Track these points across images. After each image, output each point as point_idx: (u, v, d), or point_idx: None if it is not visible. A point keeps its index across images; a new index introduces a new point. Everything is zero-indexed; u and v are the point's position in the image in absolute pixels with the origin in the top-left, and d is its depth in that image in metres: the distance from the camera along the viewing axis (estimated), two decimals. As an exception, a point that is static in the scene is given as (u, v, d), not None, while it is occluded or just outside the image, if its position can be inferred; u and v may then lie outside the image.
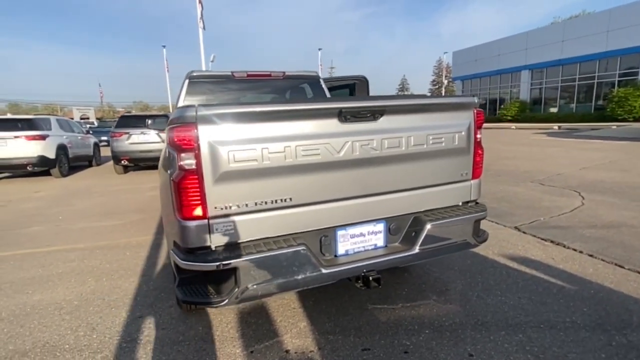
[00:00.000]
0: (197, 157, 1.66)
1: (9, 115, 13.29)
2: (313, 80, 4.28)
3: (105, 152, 13.09)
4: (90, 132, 14.98)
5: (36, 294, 3.09)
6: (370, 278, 1.99)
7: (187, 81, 3.74)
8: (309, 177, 1.87)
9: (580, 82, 26.76)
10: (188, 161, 1.66)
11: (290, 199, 1.85)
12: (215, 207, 1.73)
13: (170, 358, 2.16)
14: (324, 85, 4.30)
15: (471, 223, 2.27)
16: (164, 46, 37.02)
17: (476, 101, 2.26)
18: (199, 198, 1.69)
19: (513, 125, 25.71)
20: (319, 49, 48.39)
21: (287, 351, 2.19)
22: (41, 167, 9.84)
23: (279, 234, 1.89)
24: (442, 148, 2.16)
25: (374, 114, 1.94)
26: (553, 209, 5.04)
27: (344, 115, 1.87)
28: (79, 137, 12.27)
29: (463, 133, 2.22)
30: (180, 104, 3.65)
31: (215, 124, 1.66)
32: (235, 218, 1.77)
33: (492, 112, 32.60)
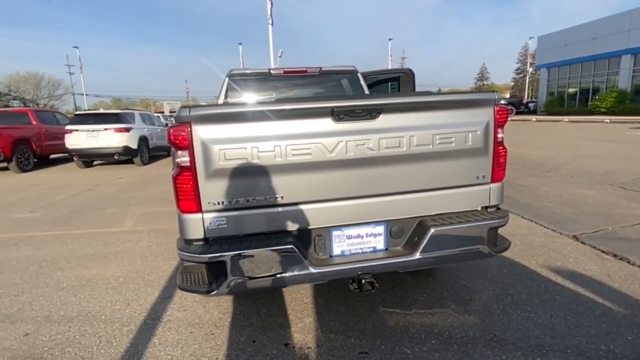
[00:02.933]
0: (191, 155, 1.76)
1: (101, 110, 15.16)
2: (351, 75, 4.22)
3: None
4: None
5: (94, 268, 3.55)
6: (363, 281, 1.94)
7: (227, 79, 3.94)
8: (301, 176, 1.87)
9: (700, 67, 22.46)
10: (183, 158, 1.78)
11: (282, 197, 1.88)
12: (209, 203, 1.82)
13: (182, 338, 2.35)
14: (362, 80, 4.21)
15: (484, 230, 2.08)
16: (240, 43, 39.16)
17: (497, 97, 2.05)
18: (193, 193, 1.80)
19: (607, 118, 22.52)
20: (389, 40, 47.26)
21: (286, 344, 2.24)
22: (125, 156, 11.14)
23: (269, 231, 1.93)
24: (451, 149, 2.00)
25: (371, 112, 1.87)
26: (628, 217, 4.38)
27: (337, 114, 1.84)
28: (159, 130, 13.59)
29: (479, 132, 2.03)
30: (220, 101, 3.86)
31: (207, 123, 1.75)
32: (228, 214, 1.86)
33: (582, 103, 28.97)
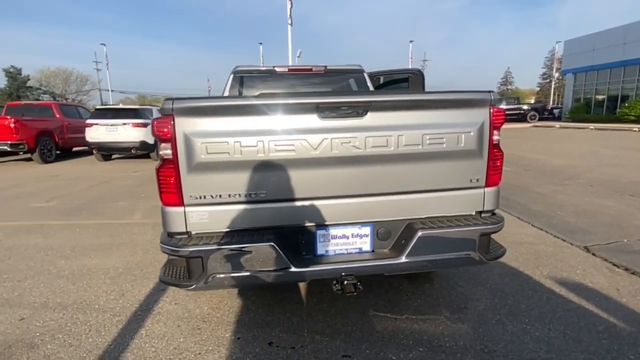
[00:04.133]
0: (174, 148, 1.75)
1: (120, 106, 15.53)
2: (357, 74, 4.17)
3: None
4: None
5: (96, 258, 3.62)
6: (345, 282, 1.89)
7: (231, 76, 3.95)
8: (284, 173, 1.84)
9: None
10: (166, 151, 1.77)
11: (265, 193, 1.85)
12: (191, 196, 1.82)
13: (169, 331, 2.36)
14: (367, 80, 4.15)
15: (475, 236, 1.99)
16: (260, 43, 39.56)
17: (492, 97, 1.97)
18: (175, 186, 1.80)
19: (635, 127, 21.57)
20: (410, 42, 46.72)
21: (270, 343, 2.21)
22: (142, 151, 11.39)
23: (252, 227, 1.91)
24: (442, 150, 1.93)
25: (357, 110, 1.82)
26: (646, 230, 4.15)
27: (322, 111, 1.80)
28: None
29: (472, 134, 1.95)
30: (225, 97, 3.87)
31: (190, 116, 1.74)
32: (209, 208, 1.84)
33: (610, 111, 27.82)
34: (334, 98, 1.82)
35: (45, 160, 11.25)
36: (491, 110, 1.98)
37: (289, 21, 23.62)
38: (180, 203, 1.82)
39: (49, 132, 11.56)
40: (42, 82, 55.10)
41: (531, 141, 15.03)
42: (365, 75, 4.18)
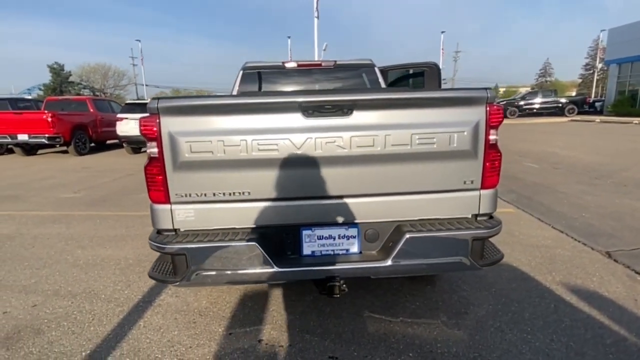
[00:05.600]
0: (159, 146, 1.78)
1: (137, 100, 15.97)
2: (367, 69, 4.08)
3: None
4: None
5: (110, 249, 3.78)
6: (328, 284, 1.87)
7: (241, 72, 3.97)
8: (268, 172, 1.83)
9: None
10: (152, 149, 1.81)
11: (249, 192, 1.85)
12: (177, 194, 1.85)
13: (165, 323, 2.43)
14: (379, 75, 4.05)
15: (467, 240, 1.90)
16: (289, 37, 39.67)
17: (489, 94, 1.86)
18: (161, 184, 1.83)
19: (688, 121, 19.93)
20: (442, 32, 45.32)
21: (260, 340, 2.23)
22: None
23: (236, 226, 1.91)
24: (433, 150, 1.85)
25: (342, 108, 1.77)
26: (680, 235, 3.84)
27: (305, 110, 1.77)
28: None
29: (466, 133, 1.85)
30: (234, 93, 3.91)
31: (175, 115, 1.76)
32: (195, 206, 1.87)
33: (659, 104, 25.87)
34: (318, 97, 1.79)
35: (80, 152, 11.86)
36: (488, 109, 1.88)
37: (316, 14, 23.52)
38: (167, 201, 1.86)
39: (84, 125, 12.16)
40: (82, 77, 57.99)
41: (566, 136, 14.25)
42: (376, 69, 4.09)
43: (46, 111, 11.25)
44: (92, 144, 12.82)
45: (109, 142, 14.34)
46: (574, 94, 56.65)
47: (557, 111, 27.32)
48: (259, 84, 3.99)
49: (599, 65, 46.44)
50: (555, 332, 2.26)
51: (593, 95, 46.33)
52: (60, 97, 16.21)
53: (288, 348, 2.16)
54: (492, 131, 1.90)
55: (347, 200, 1.92)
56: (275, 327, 2.37)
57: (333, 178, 1.87)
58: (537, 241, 3.78)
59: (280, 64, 3.94)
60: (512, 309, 2.53)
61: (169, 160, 1.79)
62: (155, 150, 1.80)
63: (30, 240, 4.05)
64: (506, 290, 2.79)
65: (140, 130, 1.81)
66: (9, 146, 12.07)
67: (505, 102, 30.17)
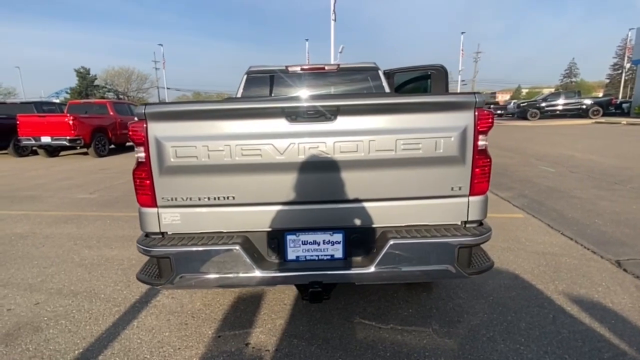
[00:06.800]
0: (147, 151, 1.82)
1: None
2: (371, 72, 4.06)
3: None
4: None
5: (116, 249, 3.88)
6: (310, 290, 1.86)
7: (245, 76, 4.02)
8: (252, 177, 1.84)
9: None
10: (140, 154, 1.85)
11: (234, 197, 1.87)
12: (163, 198, 1.88)
13: (158, 324, 2.47)
14: (382, 78, 4.03)
15: (453, 248, 1.86)
16: (307, 40, 39.95)
17: (477, 99, 1.81)
18: (148, 188, 1.87)
19: None
20: (462, 33, 44.66)
21: (247, 344, 2.24)
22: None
23: (223, 230, 1.93)
24: (418, 156, 1.82)
25: (325, 114, 1.77)
26: (699, 245, 3.64)
27: (289, 115, 1.77)
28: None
29: (453, 139, 1.82)
30: (237, 97, 3.95)
31: (161, 120, 1.80)
32: (181, 210, 1.90)
33: (691, 105, 24.67)
34: (301, 102, 1.79)
35: (99, 154, 12.23)
36: (476, 114, 1.84)
37: (333, 17, 23.58)
38: (154, 204, 1.90)
39: (103, 128, 12.55)
40: (107, 80, 59.94)
41: (587, 139, 13.76)
42: (380, 73, 4.06)
43: (68, 114, 11.67)
44: (112, 146, 13.21)
45: (128, 144, 14.75)
46: (600, 94, 54.69)
47: (581, 113, 26.42)
48: (270, 88, 4.02)
49: (627, 65, 44.62)
50: (550, 343, 2.19)
51: (620, 96, 44.62)
52: (82, 101, 16.79)
53: (274, 352, 2.16)
54: (480, 137, 1.86)
55: (332, 206, 1.91)
56: (264, 331, 2.37)
57: (318, 183, 1.86)
58: (544, 248, 3.66)
59: (284, 68, 3.97)
60: (507, 319, 2.45)
61: (155, 164, 1.83)
62: (143, 154, 1.84)
63: (42, 240, 4.20)
64: (504, 298, 2.71)
65: (129, 135, 1.86)
66: (34, 148, 12.56)
67: (526, 103, 29.44)
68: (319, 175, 1.85)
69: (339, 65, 4.00)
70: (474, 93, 1.83)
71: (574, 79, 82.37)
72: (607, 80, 73.51)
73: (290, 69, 3.99)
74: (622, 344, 2.17)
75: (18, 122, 11.47)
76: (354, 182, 1.87)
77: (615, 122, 22.21)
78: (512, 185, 6.48)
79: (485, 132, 1.87)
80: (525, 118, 27.26)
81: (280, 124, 1.80)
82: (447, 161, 1.85)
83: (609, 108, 27.43)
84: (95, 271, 3.34)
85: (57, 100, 31.43)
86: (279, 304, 2.69)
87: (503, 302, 2.66)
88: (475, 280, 2.96)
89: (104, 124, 12.65)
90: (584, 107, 26.60)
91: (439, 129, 1.81)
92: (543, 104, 27.42)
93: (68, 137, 11.30)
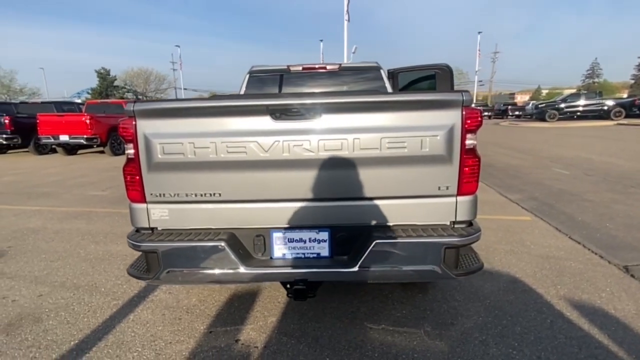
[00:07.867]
0: (136, 148, 1.86)
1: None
2: (373, 72, 4.03)
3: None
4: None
5: (121, 245, 3.97)
6: (293, 288, 1.86)
7: (247, 76, 4.06)
8: (238, 174, 1.86)
9: None
10: (129, 151, 1.89)
11: (220, 194, 1.89)
12: (152, 194, 1.92)
13: (153, 319, 2.52)
14: (385, 77, 4.00)
15: (439, 248, 1.83)
16: (321, 40, 40.00)
17: (464, 98, 1.78)
18: (137, 184, 1.91)
19: None
20: (479, 33, 44.01)
21: (237, 340, 2.26)
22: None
23: (211, 227, 1.95)
24: (404, 154, 1.80)
25: (309, 111, 1.77)
26: None
27: (273, 113, 1.78)
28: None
29: (439, 138, 1.79)
30: (240, 97, 3.99)
31: (149, 118, 1.84)
32: (169, 206, 1.93)
33: None
34: (285, 100, 1.80)
35: (115, 152, 12.54)
36: (463, 112, 1.81)
37: (346, 17, 23.60)
38: (143, 200, 1.94)
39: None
40: (126, 81, 61.49)
41: (607, 141, 13.33)
42: (382, 72, 4.04)
43: (85, 114, 12.01)
44: (127, 145, 13.52)
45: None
46: (625, 95, 52.92)
47: (603, 114, 25.58)
48: (279, 87, 4.05)
49: (653, 65, 43.07)
50: (544, 349, 2.13)
51: (645, 97, 43.04)
52: (99, 101, 17.29)
53: (262, 349, 2.17)
54: (468, 135, 1.83)
55: (318, 204, 1.91)
56: (255, 328, 2.39)
57: (303, 181, 1.87)
58: (549, 252, 3.57)
59: (286, 67, 3.99)
60: (503, 322, 2.40)
61: (144, 161, 1.87)
62: (132, 151, 1.88)
63: (52, 235, 4.34)
64: (501, 302, 2.66)
65: (119, 132, 1.90)
66: (53, 146, 12.97)
67: (544, 104, 28.72)
68: (304, 173, 1.85)
69: (340, 64, 4.00)
70: (461, 91, 1.80)
71: (596, 80, 79.99)
72: (632, 81, 71.06)
73: (292, 68, 4.01)
74: (620, 351, 2.10)
75: (38, 121, 11.87)
76: (339, 180, 1.86)
77: (638, 124, 21.43)
78: (522, 188, 6.33)
79: (473, 131, 1.84)
80: (543, 119, 26.59)
81: (265, 122, 1.81)
82: (434, 160, 1.83)
83: (633, 109, 26.46)
84: (99, 266, 3.43)
85: (79, 100, 32.42)
86: (272, 302, 2.71)
87: (500, 306, 2.60)
88: (473, 283, 2.91)
89: (120, 123, 12.94)
90: (606, 108, 25.75)
91: (424, 128, 1.79)
92: (562, 105, 26.69)
93: (85, 136, 11.64)
